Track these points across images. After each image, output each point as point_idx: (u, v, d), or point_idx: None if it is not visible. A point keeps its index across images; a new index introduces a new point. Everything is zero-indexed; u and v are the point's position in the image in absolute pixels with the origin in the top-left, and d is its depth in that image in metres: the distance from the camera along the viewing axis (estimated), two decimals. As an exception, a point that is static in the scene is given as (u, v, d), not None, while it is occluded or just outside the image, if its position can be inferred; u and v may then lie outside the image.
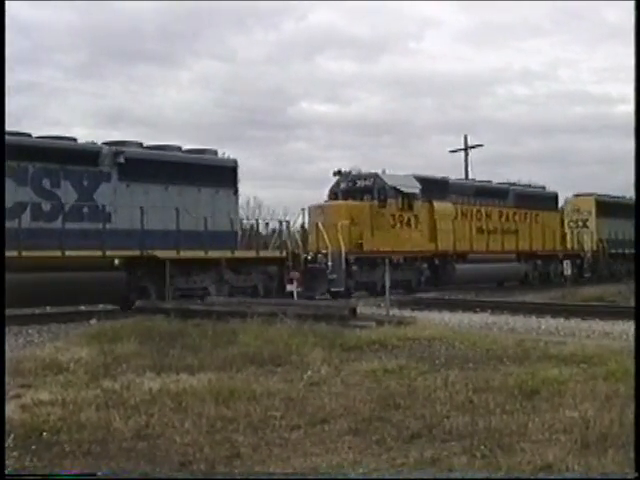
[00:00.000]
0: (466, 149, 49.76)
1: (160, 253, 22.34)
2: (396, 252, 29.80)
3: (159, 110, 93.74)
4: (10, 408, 8.40)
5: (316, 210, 30.17)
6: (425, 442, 6.88)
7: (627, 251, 42.70)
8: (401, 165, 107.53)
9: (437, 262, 32.10)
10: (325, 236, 27.51)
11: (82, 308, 21.65)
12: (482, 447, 6.48)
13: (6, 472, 5.94)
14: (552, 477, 5.78)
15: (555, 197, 41.54)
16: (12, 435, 6.88)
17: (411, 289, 30.49)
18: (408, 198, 30.69)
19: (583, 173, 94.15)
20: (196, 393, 9.05)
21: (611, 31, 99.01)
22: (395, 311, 20.00)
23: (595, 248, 41.75)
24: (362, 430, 7.33)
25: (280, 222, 28.83)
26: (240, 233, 26.41)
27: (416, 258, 31.04)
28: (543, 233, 38.16)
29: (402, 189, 30.48)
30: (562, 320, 18.33)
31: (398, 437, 7.03)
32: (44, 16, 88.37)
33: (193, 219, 23.50)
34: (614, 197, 45.24)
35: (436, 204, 32.32)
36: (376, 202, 29.87)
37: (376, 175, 30.64)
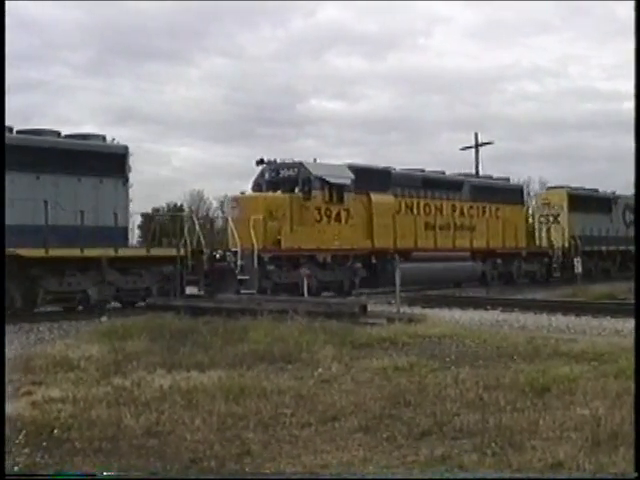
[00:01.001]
0: (477, 146, 49.66)
1: (24, 251, 19.36)
2: (322, 250, 26.68)
3: (168, 107, 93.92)
4: (21, 405, 8.45)
5: (231, 203, 27.80)
6: (435, 440, 6.87)
7: (604, 248, 40.71)
8: (410, 162, 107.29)
9: (374, 261, 28.77)
10: (234, 232, 24.54)
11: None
12: (493, 445, 6.47)
13: (16, 469, 5.97)
14: (552, 477, 5.76)
15: (520, 190, 39.31)
16: (23, 432, 6.89)
17: (343, 291, 27.35)
18: (337, 189, 27.41)
19: (593, 170, 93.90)
20: (206, 390, 9.06)
21: (621, 27, 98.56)
22: (405, 308, 19.97)
23: (567, 245, 38.23)
24: (372, 427, 7.32)
25: (184, 216, 26.26)
26: (131, 228, 23.47)
27: (348, 257, 27.71)
28: (504, 229, 34.87)
29: (329, 179, 27.13)
30: (573, 317, 18.29)
31: (408, 434, 7.03)
32: (52, 14, 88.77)
33: (69, 213, 20.70)
34: (588, 190, 42.70)
35: (374, 196, 29.07)
36: (300, 194, 26.67)
37: (300, 164, 27.28)
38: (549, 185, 43.47)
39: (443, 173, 33.98)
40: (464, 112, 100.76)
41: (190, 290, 23.81)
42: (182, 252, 22.96)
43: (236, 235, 24.32)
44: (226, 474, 6.10)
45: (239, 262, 23.87)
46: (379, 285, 28.06)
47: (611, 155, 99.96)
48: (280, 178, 27.30)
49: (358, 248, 28.09)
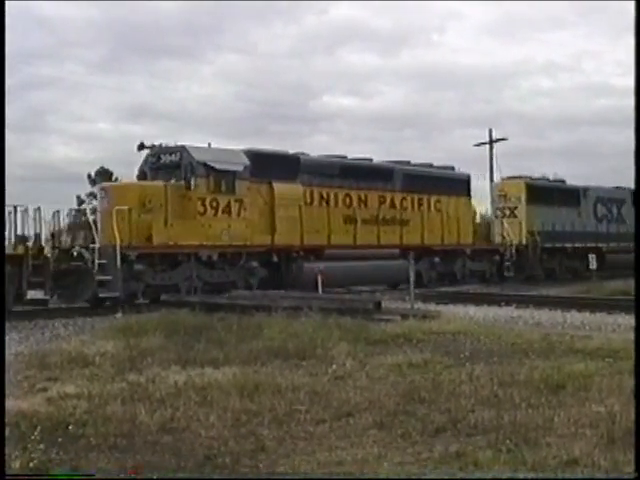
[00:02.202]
0: (491, 143, 49.50)
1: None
2: (206, 247, 23.18)
3: (181, 104, 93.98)
4: (36, 401, 8.49)
5: (99, 192, 24.01)
6: (450, 436, 6.87)
7: (570, 245, 37.27)
8: (424, 159, 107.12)
9: (276, 260, 25.17)
10: (93, 226, 21.28)
11: (108, 303, 21.68)
12: (507, 441, 6.46)
13: (31, 465, 5.99)
14: (551, 477, 5.74)
15: (466, 180, 33.46)
16: (38, 428, 6.91)
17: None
18: (226, 177, 23.77)
19: (608, 166, 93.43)
20: (221, 387, 9.08)
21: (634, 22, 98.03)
22: (419, 305, 19.94)
23: (524, 242, 34.71)
24: (387, 424, 7.32)
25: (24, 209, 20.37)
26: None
27: (240, 254, 24.03)
28: (445, 224, 31.16)
29: (215, 166, 23.45)
30: (588, 314, 18.19)
31: (423, 431, 7.03)
32: (66, 12, 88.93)
33: None
34: (552, 181, 39.59)
35: (277, 186, 25.34)
36: (181, 182, 23.15)
37: (182, 148, 23.86)
38: (508, 175, 39.46)
39: (370, 160, 30.07)
40: (478, 108, 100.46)
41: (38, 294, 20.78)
42: (20, 250, 19.67)
43: (94, 229, 21.18)
44: (236, 473, 6.11)
45: (97, 261, 20.58)
46: (283, 287, 24.03)
47: (626, 151, 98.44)
48: (162, 164, 24.05)
49: (254, 245, 24.48)
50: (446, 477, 5.84)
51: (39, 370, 10.57)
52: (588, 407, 7.72)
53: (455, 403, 8.05)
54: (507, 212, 35.75)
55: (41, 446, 6.41)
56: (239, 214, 24.10)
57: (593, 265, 33.94)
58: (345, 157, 29.05)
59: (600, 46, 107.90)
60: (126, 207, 21.48)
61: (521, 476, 5.72)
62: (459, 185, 32.64)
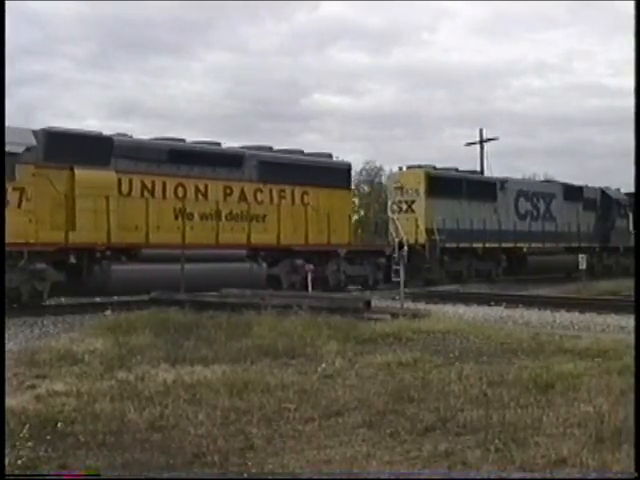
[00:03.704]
0: (482, 142, 49.54)
1: None
2: None
3: (172, 102, 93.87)
4: (25, 399, 8.47)
5: None
6: (439, 435, 6.87)
7: (477, 245, 32.51)
8: (416, 158, 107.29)
9: (74, 261, 20.69)
10: None
11: (97, 299, 21.64)
12: (496, 441, 6.46)
13: (19, 462, 5.97)
14: (550, 477, 5.75)
15: (346, 170, 28.69)
16: (27, 425, 6.90)
17: (20, 302, 19.60)
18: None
19: (600, 166, 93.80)
20: (210, 385, 9.08)
21: (627, 22, 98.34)
22: (409, 304, 19.97)
23: (422, 241, 30.33)
24: (376, 423, 7.33)
25: None
26: None
27: (21, 254, 19.31)
28: (311, 220, 26.13)
29: None
30: (577, 314, 18.27)
31: (412, 430, 7.03)
32: (54, 7, 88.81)
33: None
34: (460, 172, 34.35)
35: (79, 172, 20.73)
36: None
37: None
38: (407, 164, 33.50)
39: (219, 144, 25.70)
40: (469, 107, 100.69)
41: None
42: None
43: None
44: (225, 471, 6.10)
45: None
46: (84, 293, 21.46)
47: (617, 151, 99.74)
48: None
49: (40, 243, 19.85)
50: (443, 477, 5.86)
51: (28, 367, 10.55)
52: (577, 407, 7.73)
53: (444, 402, 8.06)
54: (404, 207, 31.38)
55: (29, 444, 6.40)
56: (19, 205, 19.55)
57: (499, 271, 32.75)
58: (183, 140, 24.46)
59: (591, 46, 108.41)
60: None
61: (528, 476, 5.74)
62: (336, 175, 27.58)
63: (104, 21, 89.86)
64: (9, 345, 13.01)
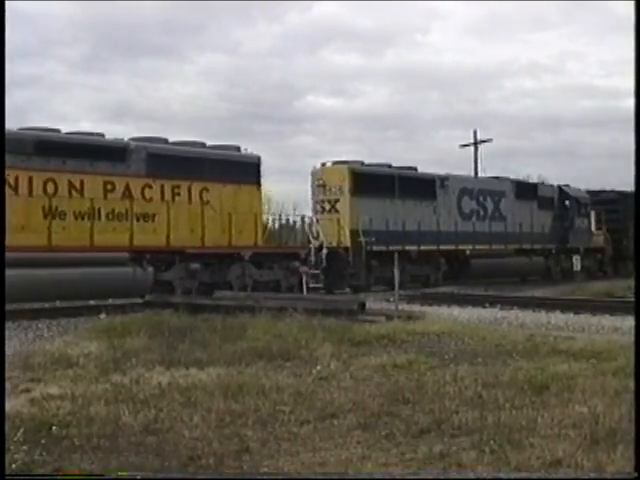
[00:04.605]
0: (475, 144, 49.63)
1: None
2: None
3: (164, 104, 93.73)
4: (19, 402, 8.45)
5: None
6: (434, 437, 6.87)
7: (411, 248, 29.56)
8: (409, 160, 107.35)
9: None
10: None
11: (92, 302, 21.59)
12: (491, 442, 6.46)
13: (14, 466, 5.96)
14: (550, 477, 5.76)
15: (255, 164, 25.15)
16: (22, 429, 6.88)
17: None
18: None
19: (593, 167, 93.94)
20: (205, 388, 9.07)
21: (619, 23, 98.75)
22: (404, 306, 19.97)
23: (347, 243, 27.58)
24: (371, 425, 7.33)
25: None
26: None
27: None
28: (210, 219, 23.24)
29: None
30: (571, 315, 18.28)
31: (407, 432, 7.03)
32: (46, 9, 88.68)
33: None
34: (392, 167, 30.89)
35: None
36: None
37: None
38: (334, 160, 30.24)
39: (102, 136, 22.49)
40: (462, 109, 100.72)
41: None
42: None
43: None
44: (220, 474, 6.10)
45: None
46: None
47: (610, 152, 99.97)
48: None
49: None
50: (441, 477, 5.86)
51: (22, 371, 10.52)
52: (572, 408, 7.74)
53: (439, 404, 8.06)
54: (327, 206, 28.72)
55: (24, 447, 6.38)
56: None
57: (438, 275, 30.27)
58: (57, 131, 21.50)
59: (584, 47, 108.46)
60: None
61: (534, 476, 5.75)
62: (242, 170, 24.51)
63: (96, 23, 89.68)
64: (3, 349, 13.00)
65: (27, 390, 9.21)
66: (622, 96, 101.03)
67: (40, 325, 17.39)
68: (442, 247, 30.98)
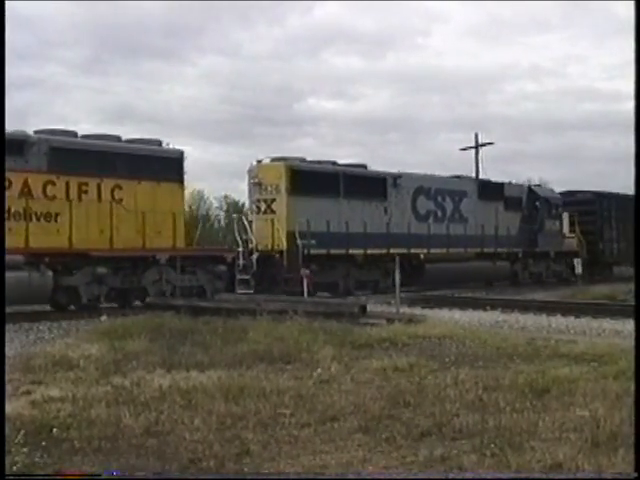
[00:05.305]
0: (477, 147, 49.60)
1: None
2: None
3: (165, 106, 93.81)
4: (20, 404, 8.45)
5: None
6: (435, 440, 6.87)
7: (356, 252, 27.57)
8: (411, 163, 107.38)
9: None
10: None
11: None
12: (492, 445, 6.46)
13: (15, 468, 5.96)
14: (550, 477, 5.75)
15: (176, 159, 23.30)
16: (22, 431, 6.88)
17: None
18: None
19: (594, 170, 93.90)
20: (206, 390, 9.06)
21: (621, 26, 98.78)
22: (405, 309, 19.96)
23: (282, 246, 25.45)
24: (372, 428, 7.32)
25: None
26: None
27: None
28: (121, 219, 21.30)
29: None
30: (572, 318, 18.31)
31: (408, 435, 7.02)
32: (47, 11, 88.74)
33: None
34: (336, 164, 28.78)
35: None
36: None
37: None
38: (271, 156, 27.78)
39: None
40: (463, 112, 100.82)
41: None
42: None
43: None
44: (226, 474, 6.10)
45: None
46: None
47: (611, 155, 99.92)
48: None
49: None
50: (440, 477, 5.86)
51: (23, 373, 10.52)
52: (572, 411, 7.74)
53: (440, 407, 8.05)
54: (262, 206, 26.53)
55: (24, 449, 6.38)
56: None
57: (388, 281, 26.07)
58: None
59: (585, 50, 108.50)
60: None
61: (534, 476, 5.74)
62: (162, 166, 22.51)
63: (97, 26, 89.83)
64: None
65: (28, 392, 9.21)
66: (623, 99, 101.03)
67: (41, 327, 17.41)
68: (393, 250, 27.49)
